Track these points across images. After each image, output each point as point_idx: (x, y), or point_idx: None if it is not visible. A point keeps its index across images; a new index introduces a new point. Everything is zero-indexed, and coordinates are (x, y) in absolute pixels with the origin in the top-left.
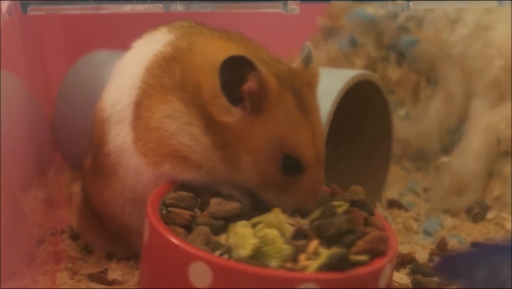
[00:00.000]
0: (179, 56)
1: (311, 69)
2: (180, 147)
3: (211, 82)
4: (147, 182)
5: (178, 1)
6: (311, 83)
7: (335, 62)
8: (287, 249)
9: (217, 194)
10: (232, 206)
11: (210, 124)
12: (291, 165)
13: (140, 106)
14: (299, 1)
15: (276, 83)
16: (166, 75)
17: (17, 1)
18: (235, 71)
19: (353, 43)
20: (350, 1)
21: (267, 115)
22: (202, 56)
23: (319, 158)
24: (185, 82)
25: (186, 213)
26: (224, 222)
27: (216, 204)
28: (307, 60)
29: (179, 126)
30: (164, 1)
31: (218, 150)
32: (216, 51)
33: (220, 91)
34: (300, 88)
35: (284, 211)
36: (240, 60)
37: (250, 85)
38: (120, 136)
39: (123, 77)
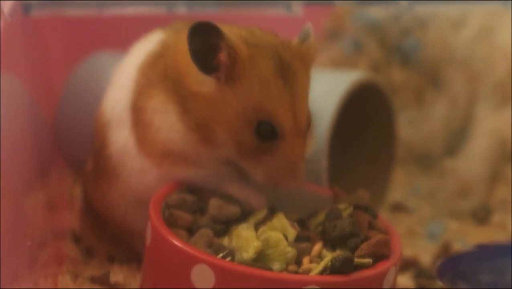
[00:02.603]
0: (165, 51)
1: (307, 45)
2: (165, 142)
3: (188, 58)
4: (151, 182)
5: (181, 3)
6: (305, 58)
7: (338, 65)
8: (290, 252)
9: (219, 195)
10: (233, 210)
11: (185, 103)
12: (266, 131)
13: (136, 107)
14: (302, 4)
15: (247, 50)
16: (153, 71)
17: (19, 3)
18: (205, 39)
19: (357, 45)
20: (354, 3)
21: (240, 83)
22: (183, 41)
23: (298, 129)
24: (166, 71)
25: (188, 216)
26: (224, 226)
27: (216, 207)
28: (304, 37)
29: (161, 118)
30: (167, 3)
31: (193, 133)
32: None
33: (192, 59)
34: (290, 59)
35: (259, 181)
36: (207, 27)
37: (223, 54)
38: (121, 138)
39: (120, 80)
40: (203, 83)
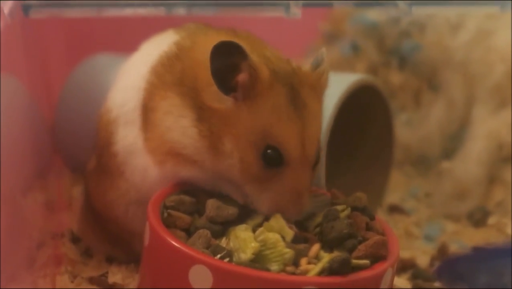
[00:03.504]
0: (181, 54)
1: (318, 73)
2: (175, 144)
3: (207, 73)
4: (154, 181)
5: (179, 5)
6: (316, 86)
7: (336, 67)
8: (288, 252)
9: (217, 196)
10: (230, 211)
11: (201, 112)
12: (272, 156)
13: (147, 108)
14: (301, 6)
15: (269, 73)
16: (168, 72)
17: (19, 4)
18: (227, 59)
19: (355, 48)
20: (352, 5)
21: (256, 103)
22: (202, 51)
23: (305, 157)
24: (183, 77)
25: (186, 217)
26: (222, 227)
27: (214, 208)
28: (317, 65)
29: (173, 120)
30: (166, 4)
31: (204, 140)
32: None
33: (212, 78)
34: (300, 87)
35: (262, 211)
36: (231, 46)
37: (243, 75)
38: (129, 137)
39: (130, 79)
40: (220, 100)
